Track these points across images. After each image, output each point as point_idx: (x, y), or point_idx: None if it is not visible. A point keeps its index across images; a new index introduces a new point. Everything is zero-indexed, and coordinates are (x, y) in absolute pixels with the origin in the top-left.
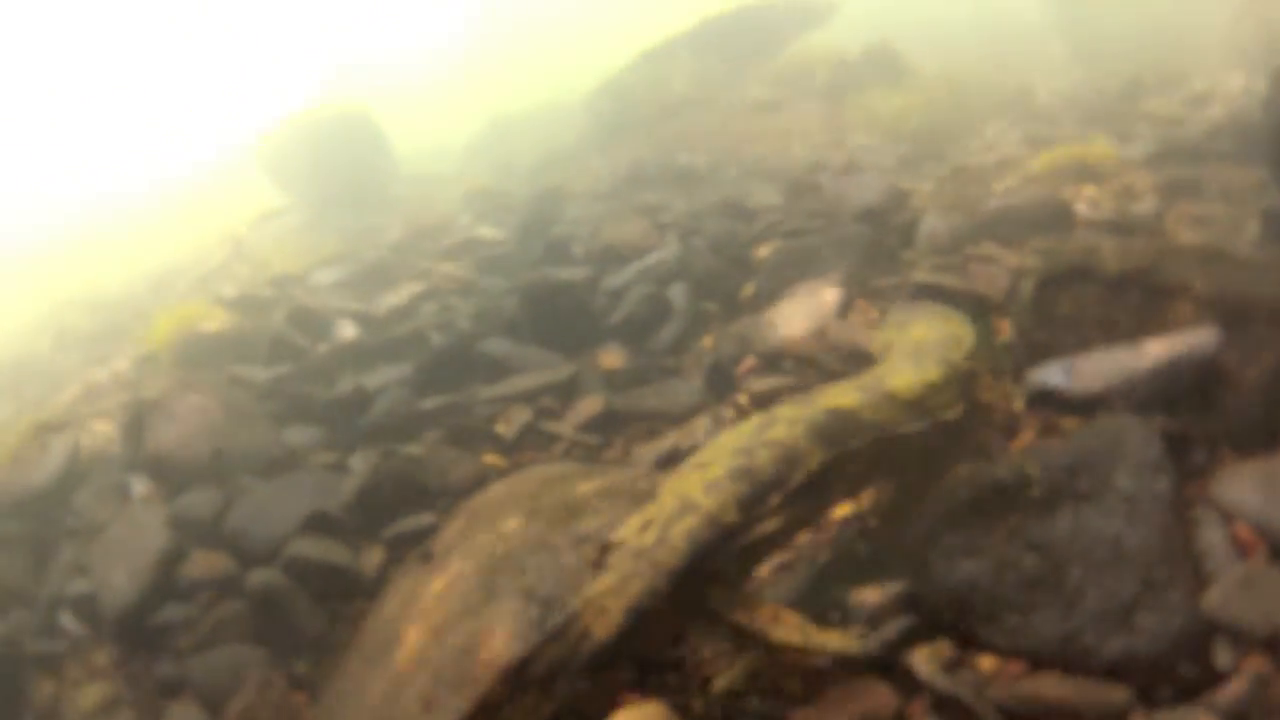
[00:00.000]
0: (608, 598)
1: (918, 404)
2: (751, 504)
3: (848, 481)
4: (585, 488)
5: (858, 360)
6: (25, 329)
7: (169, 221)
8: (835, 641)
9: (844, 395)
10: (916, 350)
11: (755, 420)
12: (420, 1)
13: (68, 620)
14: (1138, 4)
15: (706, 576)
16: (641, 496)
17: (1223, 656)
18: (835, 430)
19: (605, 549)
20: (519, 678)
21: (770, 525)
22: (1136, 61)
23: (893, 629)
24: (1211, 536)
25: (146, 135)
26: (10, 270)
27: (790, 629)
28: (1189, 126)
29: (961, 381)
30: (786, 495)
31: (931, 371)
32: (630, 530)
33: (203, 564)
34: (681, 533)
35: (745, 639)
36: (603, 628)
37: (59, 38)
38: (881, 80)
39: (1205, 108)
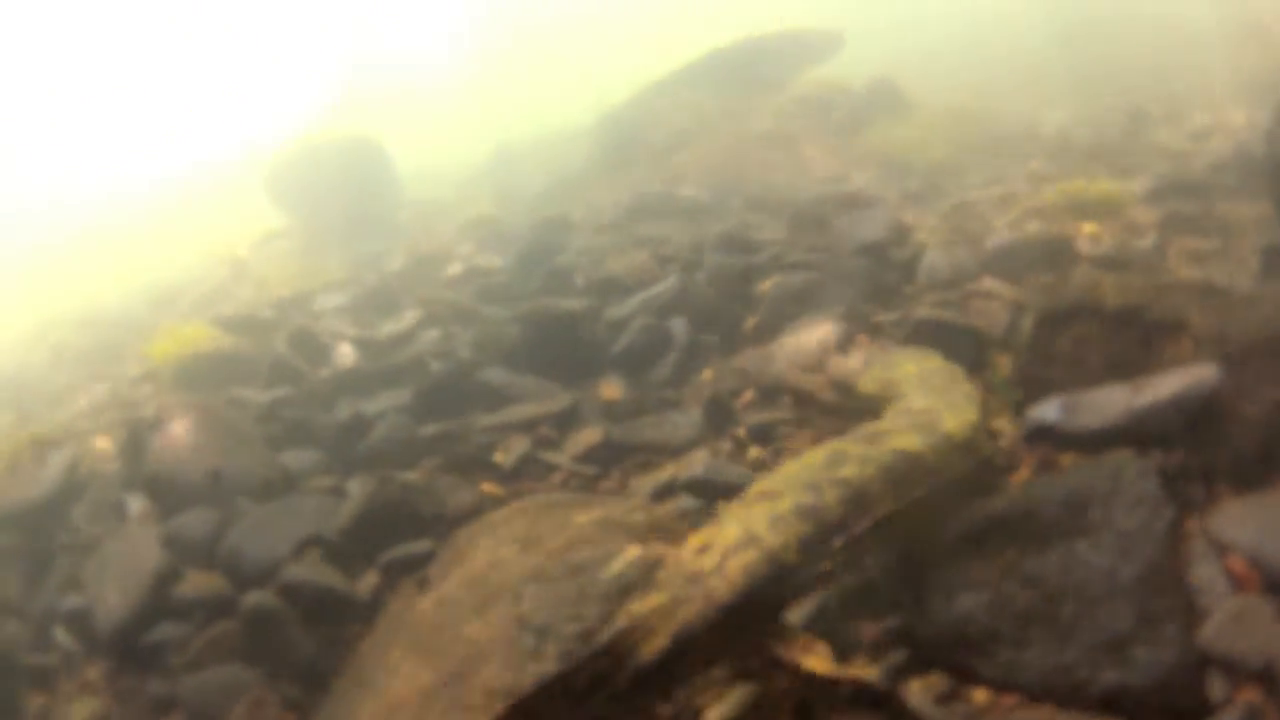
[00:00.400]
0: (656, 618)
1: (968, 445)
2: (814, 546)
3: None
4: (582, 518)
5: (851, 396)
6: (22, 343)
7: (167, 231)
8: (861, 673)
9: (907, 437)
10: (924, 384)
11: (824, 452)
12: (426, 8)
13: (61, 634)
14: (1141, 36)
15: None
16: (638, 529)
17: (1217, 689)
18: (904, 475)
19: (654, 564)
20: (562, 689)
21: (825, 566)
22: (1140, 94)
23: (889, 661)
24: (1207, 570)
25: (145, 137)
26: (5, 281)
27: (821, 659)
28: (1192, 160)
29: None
30: (849, 540)
31: (971, 411)
32: (687, 550)
33: (197, 584)
34: (740, 566)
35: (778, 668)
36: (649, 648)
37: (55, 38)
38: (885, 114)
39: (1208, 141)
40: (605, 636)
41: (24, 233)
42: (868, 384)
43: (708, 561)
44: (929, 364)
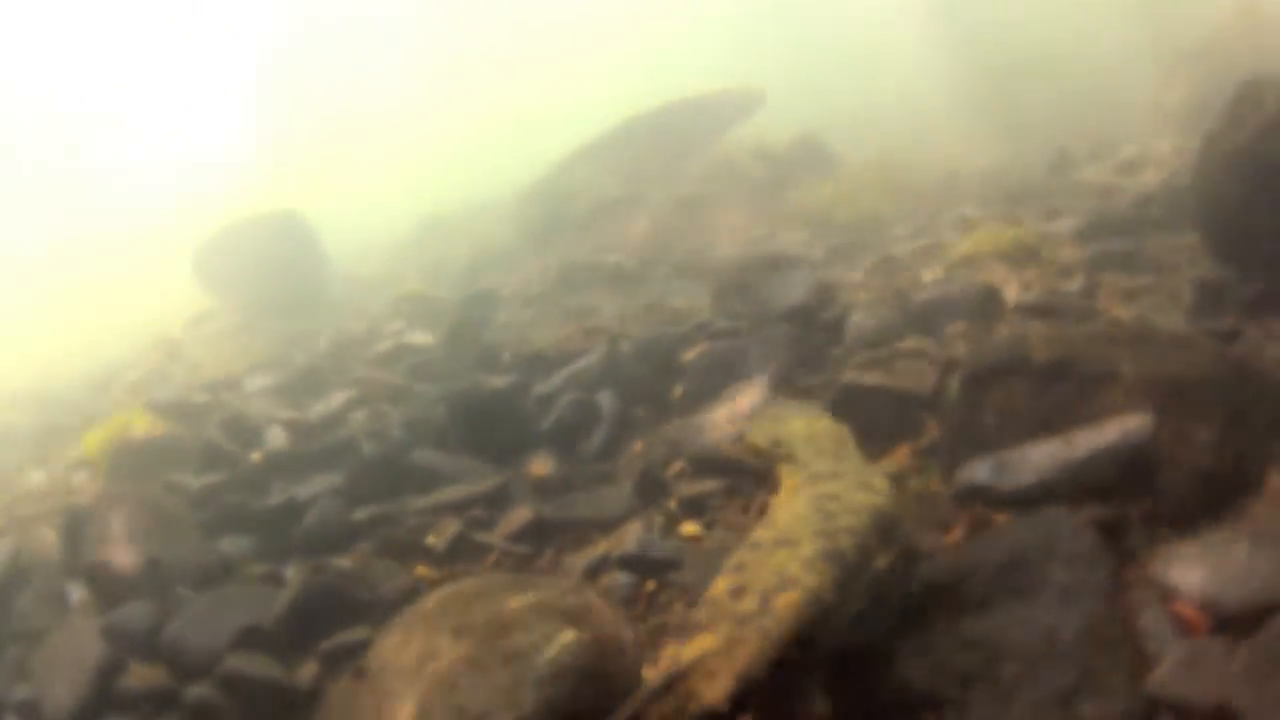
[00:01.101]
0: (714, 660)
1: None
2: (844, 587)
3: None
4: (515, 603)
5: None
6: None
7: (96, 299)
8: None
9: (863, 494)
10: (812, 444)
11: (805, 501)
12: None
13: None
14: (1060, 75)
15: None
16: (572, 613)
17: None
18: (887, 529)
19: (691, 606)
20: None
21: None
22: (1063, 132)
23: None
24: (1153, 617)
25: (56, 192)
26: None
27: None
28: (1119, 197)
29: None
30: (871, 581)
31: (877, 476)
32: (719, 592)
33: (140, 676)
34: (787, 605)
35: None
36: (711, 691)
37: None
38: (810, 170)
39: (1137, 174)
40: (659, 680)
41: None
42: (756, 437)
43: (749, 604)
44: (818, 424)
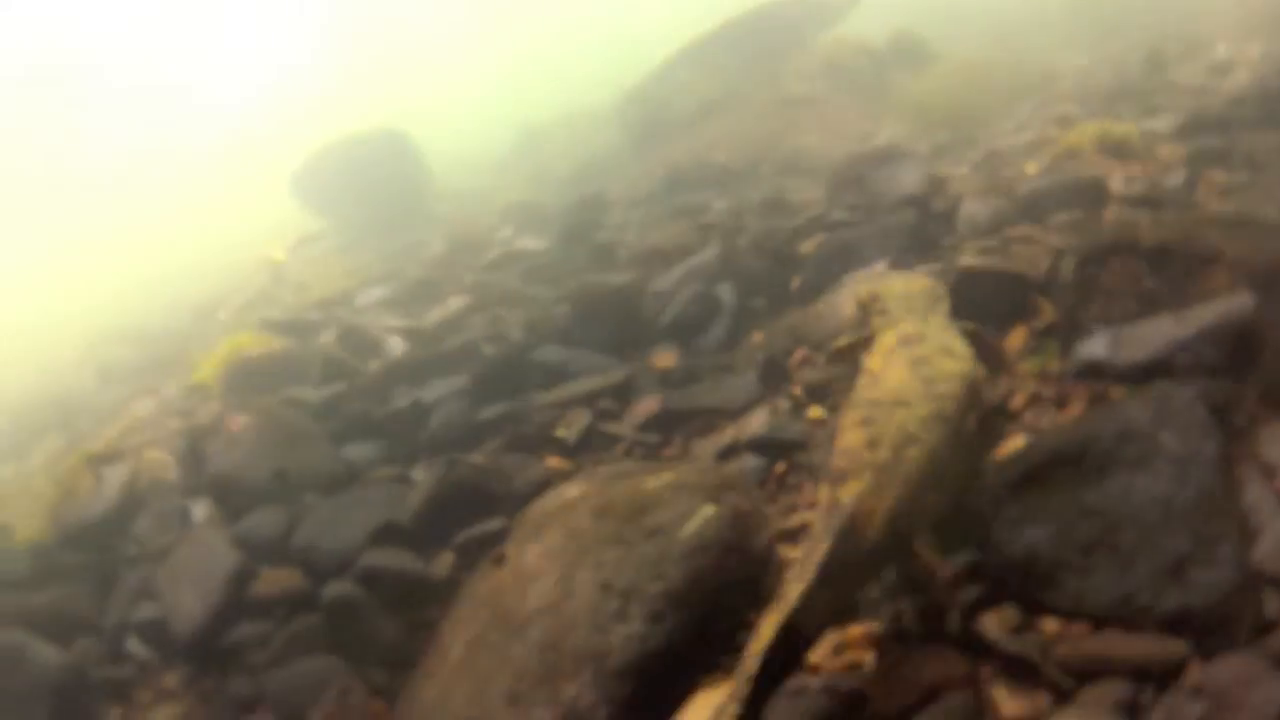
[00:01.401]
0: (868, 500)
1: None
2: (954, 447)
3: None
4: (652, 484)
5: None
6: (71, 363)
7: (190, 225)
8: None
9: (950, 359)
10: (907, 300)
11: (903, 365)
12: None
13: (135, 645)
14: None
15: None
16: (710, 489)
17: (1272, 605)
18: (974, 393)
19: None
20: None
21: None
22: (1155, 33)
23: (964, 596)
24: (1257, 493)
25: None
26: (39, 287)
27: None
28: (1213, 96)
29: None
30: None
31: (958, 340)
32: (855, 444)
33: (273, 581)
34: (916, 457)
35: (922, 579)
36: (872, 530)
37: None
38: (909, 68)
39: (1228, 76)
40: (838, 520)
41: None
42: (859, 291)
43: (884, 455)
44: (914, 284)
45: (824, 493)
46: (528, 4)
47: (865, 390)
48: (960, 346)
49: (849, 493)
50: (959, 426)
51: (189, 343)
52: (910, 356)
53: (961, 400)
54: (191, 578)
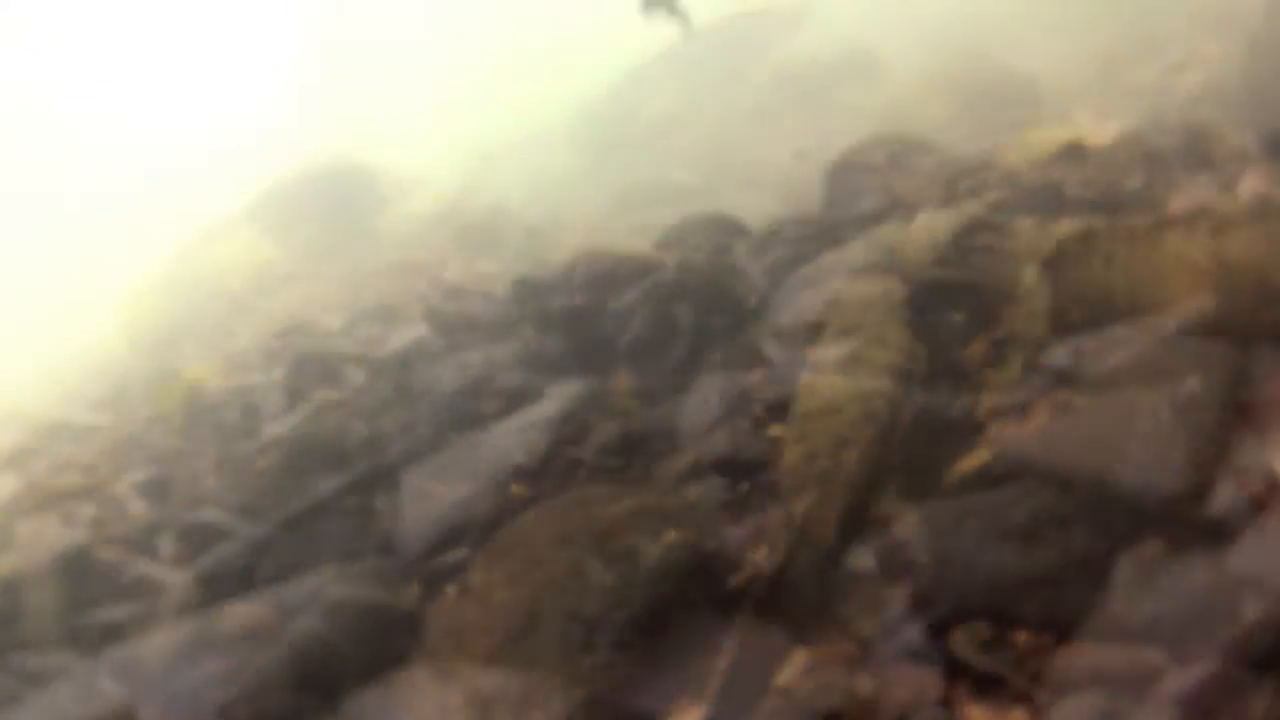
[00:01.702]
0: (818, 510)
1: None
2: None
3: None
4: (616, 510)
5: None
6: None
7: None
8: None
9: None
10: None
11: (835, 366)
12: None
13: None
14: None
15: None
16: (673, 514)
17: (1250, 606)
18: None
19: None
20: None
21: None
22: (1108, 34)
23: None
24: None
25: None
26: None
27: None
28: (1168, 97)
29: None
30: None
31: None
32: (794, 458)
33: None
34: (852, 460)
35: None
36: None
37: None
38: (860, 80)
39: (1183, 75)
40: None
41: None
42: (817, 304)
43: (822, 464)
44: (872, 292)
45: (779, 512)
46: (486, 30)
47: (803, 402)
48: (896, 336)
49: (800, 506)
50: (892, 418)
51: (148, 375)
52: (841, 357)
53: (891, 391)
54: None
